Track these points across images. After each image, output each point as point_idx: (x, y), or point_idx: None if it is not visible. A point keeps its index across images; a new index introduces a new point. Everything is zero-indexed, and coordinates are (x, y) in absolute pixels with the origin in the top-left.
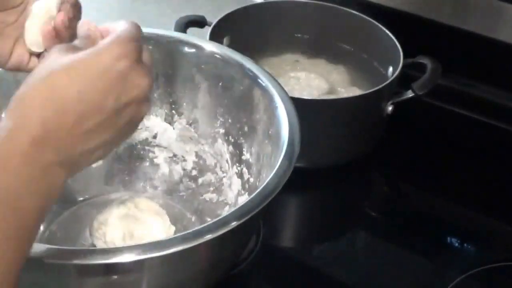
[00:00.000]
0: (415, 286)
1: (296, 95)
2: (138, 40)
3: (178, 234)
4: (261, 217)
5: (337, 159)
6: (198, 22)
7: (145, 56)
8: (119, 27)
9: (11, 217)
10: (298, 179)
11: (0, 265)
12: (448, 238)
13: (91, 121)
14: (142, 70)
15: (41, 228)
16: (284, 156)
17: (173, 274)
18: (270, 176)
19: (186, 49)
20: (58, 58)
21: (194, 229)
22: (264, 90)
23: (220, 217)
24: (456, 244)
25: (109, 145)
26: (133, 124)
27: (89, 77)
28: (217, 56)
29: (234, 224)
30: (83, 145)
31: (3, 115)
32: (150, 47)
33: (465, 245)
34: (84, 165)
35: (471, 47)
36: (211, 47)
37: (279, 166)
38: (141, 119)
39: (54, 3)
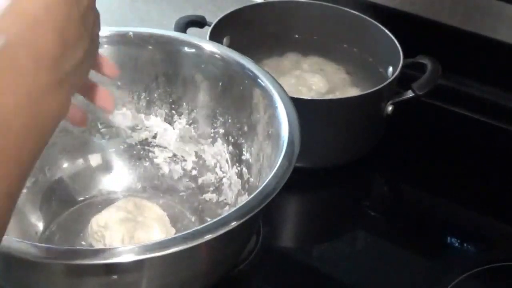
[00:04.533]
0: (415, 286)
1: (296, 95)
2: None
3: (178, 234)
4: (261, 217)
5: (337, 159)
6: (198, 22)
7: None
8: None
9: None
10: (298, 179)
11: None
12: (448, 238)
13: (69, 29)
14: None
15: (41, 228)
16: (284, 156)
17: (173, 274)
18: (270, 176)
19: (186, 49)
20: None
21: (194, 229)
22: (264, 90)
23: (220, 217)
24: (456, 244)
25: (89, 57)
26: (97, 33)
27: None
28: (217, 56)
29: (234, 224)
30: (71, 56)
31: None
32: (150, 47)
33: (465, 245)
34: (79, 81)
35: (471, 47)
36: (211, 47)
37: (279, 166)
38: (99, 28)
39: None
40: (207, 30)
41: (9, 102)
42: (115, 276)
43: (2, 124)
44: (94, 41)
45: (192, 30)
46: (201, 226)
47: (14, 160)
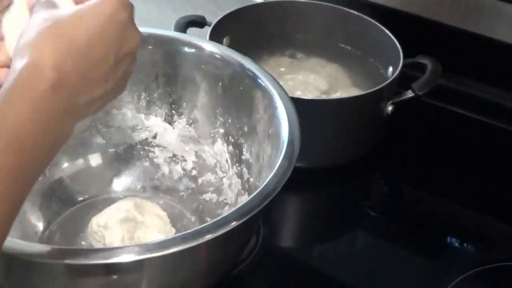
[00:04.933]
0: (415, 286)
1: (296, 95)
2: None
3: (178, 234)
4: (261, 217)
5: (337, 159)
6: (198, 22)
7: None
8: None
9: (17, 160)
10: (298, 179)
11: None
12: (448, 238)
13: (99, 69)
14: (135, 25)
15: (41, 228)
16: (284, 156)
17: (172, 274)
18: (270, 176)
19: (186, 49)
20: (54, 12)
21: (194, 229)
22: (264, 90)
23: (220, 217)
24: (456, 244)
25: (107, 97)
26: (126, 79)
27: (95, 26)
28: (217, 56)
29: (234, 224)
30: (89, 94)
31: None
32: (150, 47)
33: (465, 245)
34: (84, 116)
35: (471, 47)
36: (211, 47)
37: (279, 166)
38: (130, 74)
39: None
40: (207, 30)
41: (22, 120)
42: (115, 276)
43: (15, 141)
44: (120, 85)
45: (192, 30)
46: (201, 226)
47: (14, 179)
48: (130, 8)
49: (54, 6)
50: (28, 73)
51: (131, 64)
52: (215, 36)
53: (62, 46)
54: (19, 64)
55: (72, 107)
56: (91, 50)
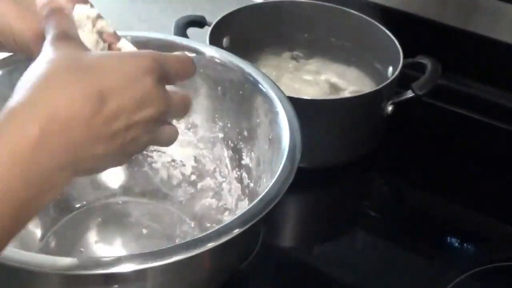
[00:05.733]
0: (415, 286)
1: (296, 95)
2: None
3: (180, 243)
4: (263, 222)
5: (337, 159)
6: (198, 22)
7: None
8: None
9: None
10: (298, 179)
11: None
12: (448, 238)
13: (106, 126)
14: (162, 93)
15: (39, 235)
16: (286, 161)
17: (174, 283)
18: (272, 182)
19: (186, 53)
20: (79, 55)
21: (196, 237)
22: (264, 94)
23: (222, 225)
24: (456, 244)
25: (112, 158)
26: (134, 148)
27: (113, 78)
28: (217, 60)
29: (237, 231)
30: (89, 151)
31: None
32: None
33: (465, 245)
34: (94, 172)
35: (471, 47)
36: (211, 51)
37: (281, 171)
38: (142, 146)
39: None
40: (207, 30)
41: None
42: (115, 286)
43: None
44: (125, 153)
45: (192, 30)
46: (203, 234)
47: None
48: (159, 73)
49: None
50: (14, 120)
51: (146, 135)
52: (215, 36)
53: (65, 96)
54: (11, 102)
55: (69, 164)
56: (101, 105)
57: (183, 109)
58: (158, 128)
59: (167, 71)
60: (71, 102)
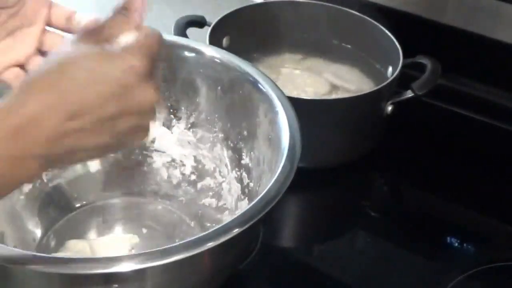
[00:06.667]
0: (415, 286)
1: (296, 95)
2: (154, 54)
3: (180, 243)
4: (262, 222)
5: (337, 159)
6: (198, 22)
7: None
8: (142, 33)
9: None
10: (298, 179)
11: None
12: (448, 238)
13: (84, 120)
14: (148, 87)
15: (39, 234)
16: (286, 161)
17: (174, 282)
18: (272, 182)
19: (186, 53)
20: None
21: (195, 237)
22: (264, 94)
23: (222, 224)
24: (456, 244)
25: (100, 150)
26: (131, 136)
27: (96, 79)
28: (217, 60)
29: (236, 231)
30: (70, 143)
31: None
32: None
33: (465, 245)
34: (67, 163)
35: (471, 47)
36: (211, 51)
37: (281, 171)
38: (140, 134)
39: None
40: (207, 30)
41: None
42: (115, 285)
43: None
44: (122, 142)
45: (192, 30)
46: (203, 234)
47: None
48: (146, 68)
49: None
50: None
51: (140, 123)
52: (215, 36)
53: (52, 90)
54: (6, 97)
55: (44, 153)
56: (82, 99)
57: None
58: (144, 118)
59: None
60: (44, 109)
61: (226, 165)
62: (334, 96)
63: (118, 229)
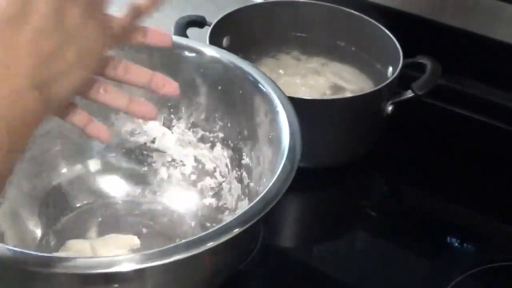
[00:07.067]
0: (415, 286)
1: (296, 95)
2: None
3: (180, 243)
4: (263, 222)
5: (337, 159)
6: (198, 22)
7: None
8: None
9: None
10: (298, 179)
11: None
12: (448, 238)
13: (44, 43)
14: None
15: (39, 234)
16: (286, 161)
17: (174, 282)
18: (272, 182)
19: (186, 53)
20: None
21: (195, 237)
22: (265, 94)
23: (222, 224)
24: (456, 244)
25: (78, 69)
26: (84, 29)
27: None
28: (218, 60)
29: (237, 231)
30: (51, 68)
31: None
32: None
33: (465, 245)
34: (65, 90)
35: (471, 47)
36: (211, 51)
37: (281, 171)
38: (95, 29)
39: None
40: (207, 30)
41: None
42: (115, 285)
43: None
44: (85, 56)
45: (192, 30)
46: (203, 234)
47: None
48: None
49: None
50: None
51: (93, 8)
52: (215, 36)
53: None
54: None
55: (38, 82)
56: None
57: None
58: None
59: None
60: None
61: (226, 165)
62: (334, 96)
63: (118, 229)
